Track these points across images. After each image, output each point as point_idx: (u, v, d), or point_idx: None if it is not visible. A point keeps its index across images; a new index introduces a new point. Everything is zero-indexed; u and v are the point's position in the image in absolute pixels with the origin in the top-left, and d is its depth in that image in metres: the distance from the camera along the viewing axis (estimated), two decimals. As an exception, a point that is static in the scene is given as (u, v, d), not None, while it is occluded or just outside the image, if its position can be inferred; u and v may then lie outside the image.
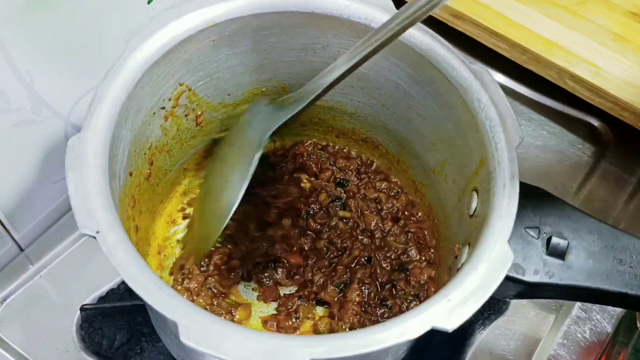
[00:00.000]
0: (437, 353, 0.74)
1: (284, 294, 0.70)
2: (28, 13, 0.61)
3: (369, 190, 0.75)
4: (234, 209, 0.60)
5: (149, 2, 0.73)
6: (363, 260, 0.71)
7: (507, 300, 0.77)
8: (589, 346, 0.75)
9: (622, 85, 0.85)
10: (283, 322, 0.68)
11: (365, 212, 0.74)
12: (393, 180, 0.76)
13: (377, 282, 0.70)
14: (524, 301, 0.78)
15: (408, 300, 0.69)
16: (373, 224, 0.73)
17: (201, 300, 0.66)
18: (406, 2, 0.93)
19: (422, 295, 0.69)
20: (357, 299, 0.68)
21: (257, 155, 0.61)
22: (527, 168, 0.87)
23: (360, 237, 0.73)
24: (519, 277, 0.57)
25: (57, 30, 0.65)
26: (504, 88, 0.88)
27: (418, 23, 0.62)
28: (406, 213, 0.74)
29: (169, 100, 0.64)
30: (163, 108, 0.64)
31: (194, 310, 0.46)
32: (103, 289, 0.75)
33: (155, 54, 0.58)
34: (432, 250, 0.71)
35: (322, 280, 0.70)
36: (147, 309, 0.69)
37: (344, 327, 0.67)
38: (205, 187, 0.69)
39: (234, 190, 0.61)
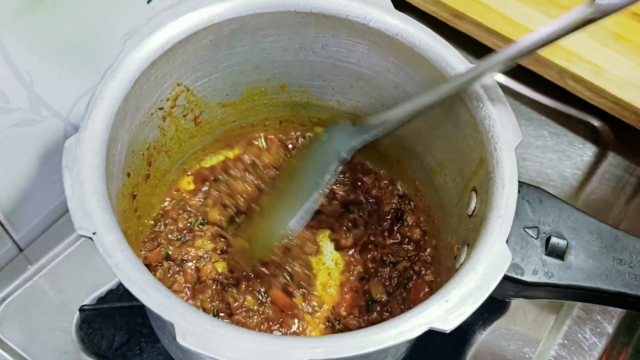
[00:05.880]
0: (438, 353, 0.74)
1: None
2: (27, 13, 0.61)
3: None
4: (304, 214, 0.64)
5: (148, 2, 0.73)
6: None
7: (508, 300, 0.77)
8: (589, 346, 0.75)
9: (623, 85, 0.85)
10: None
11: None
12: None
13: None
14: (524, 301, 0.77)
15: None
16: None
17: None
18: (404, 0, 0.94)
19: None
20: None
21: (334, 167, 0.66)
22: (527, 168, 0.87)
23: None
24: (518, 277, 0.56)
25: (56, 31, 0.65)
26: (504, 88, 0.88)
27: (417, 22, 0.63)
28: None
29: (167, 100, 0.64)
30: (161, 108, 0.64)
31: (191, 312, 0.46)
32: (102, 290, 0.75)
33: (153, 54, 0.58)
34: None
35: None
36: (145, 310, 0.68)
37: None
38: (273, 192, 0.70)
39: (306, 198, 0.65)
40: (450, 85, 0.59)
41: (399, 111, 0.63)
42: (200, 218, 0.71)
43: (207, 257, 0.68)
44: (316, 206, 0.66)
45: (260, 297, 0.68)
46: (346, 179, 0.75)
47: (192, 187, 0.74)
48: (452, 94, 0.59)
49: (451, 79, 0.59)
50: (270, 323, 0.67)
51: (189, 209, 0.72)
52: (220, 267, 0.68)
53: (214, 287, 0.67)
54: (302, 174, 0.69)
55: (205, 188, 0.73)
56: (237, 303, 0.66)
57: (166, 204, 0.72)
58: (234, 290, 0.67)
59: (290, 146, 0.77)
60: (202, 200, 0.72)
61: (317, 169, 0.67)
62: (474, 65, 0.58)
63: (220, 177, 0.73)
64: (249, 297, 0.67)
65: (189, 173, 0.74)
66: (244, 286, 0.67)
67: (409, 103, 0.62)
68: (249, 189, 0.71)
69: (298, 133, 0.78)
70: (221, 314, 0.66)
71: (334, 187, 0.74)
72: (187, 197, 0.73)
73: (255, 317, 0.66)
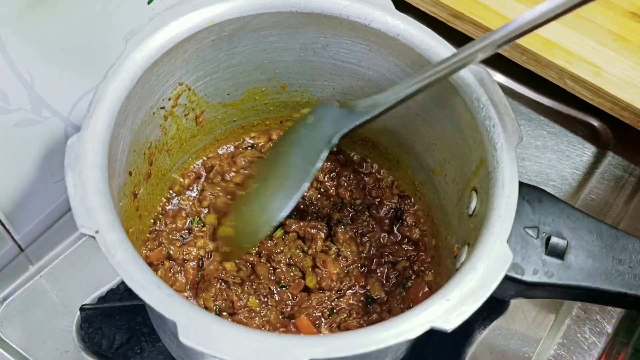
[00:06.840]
0: (437, 353, 0.74)
1: None
2: (28, 13, 0.61)
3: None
4: (293, 204, 0.61)
5: (149, 2, 0.73)
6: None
7: (507, 300, 0.77)
8: (588, 346, 0.75)
9: (622, 85, 0.85)
10: None
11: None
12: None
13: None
14: (524, 301, 0.78)
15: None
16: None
17: None
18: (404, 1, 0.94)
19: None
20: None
21: (325, 154, 0.62)
22: (526, 168, 0.87)
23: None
24: (518, 276, 0.57)
25: (57, 31, 0.65)
26: (504, 88, 0.88)
27: (418, 22, 0.63)
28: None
29: (169, 99, 0.64)
30: (163, 108, 0.64)
31: (193, 310, 0.46)
32: (103, 289, 0.75)
33: (155, 53, 0.58)
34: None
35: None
36: (146, 309, 0.69)
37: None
38: (260, 180, 0.68)
39: (294, 187, 0.62)
40: (437, 69, 0.57)
41: (387, 95, 0.61)
42: (197, 217, 0.71)
43: (210, 257, 0.68)
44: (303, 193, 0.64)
45: (264, 299, 0.68)
46: (350, 180, 0.76)
47: (186, 183, 0.74)
48: (440, 78, 0.57)
49: (438, 63, 0.58)
50: (271, 328, 0.67)
51: (183, 207, 0.72)
52: (227, 265, 0.68)
53: (218, 285, 0.67)
54: (290, 160, 0.66)
55: (197, 185, 0.73)
56: (240, 302, 0.66)
57: (165, 202, 0.72)
58: (239, 290, 0.67)
59: None
60: (195, 198, 0.72)
61: (306, 155, 0.64)
62: (461, 49, 0.56)
63: (215, 179, 0.73)
64: (252, 298, 0.67)
65: (188, 171, 0.74)
66: (247, 286, 0.67)
67: (396, 87, 0.60)
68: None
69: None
70: (223, 313, 0.66)
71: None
72: (182, 193, 0.73)
73: (257, 318, 0.66)
